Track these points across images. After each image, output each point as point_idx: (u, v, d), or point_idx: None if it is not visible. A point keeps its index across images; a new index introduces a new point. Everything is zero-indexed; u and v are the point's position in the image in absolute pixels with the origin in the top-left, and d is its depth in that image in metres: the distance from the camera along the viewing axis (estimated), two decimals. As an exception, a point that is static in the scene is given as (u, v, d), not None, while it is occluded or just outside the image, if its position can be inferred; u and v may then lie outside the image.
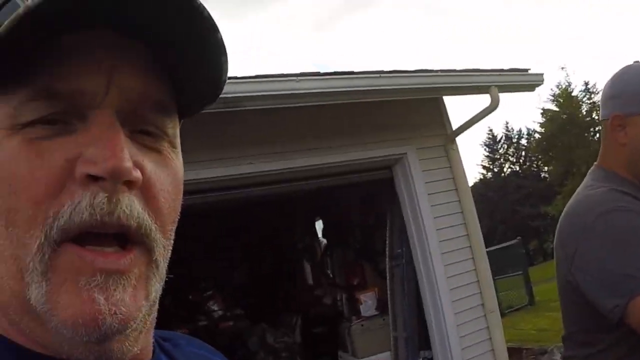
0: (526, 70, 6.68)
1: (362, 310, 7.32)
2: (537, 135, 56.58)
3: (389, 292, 6.98)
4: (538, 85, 6.65)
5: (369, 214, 7.93)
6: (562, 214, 1.71)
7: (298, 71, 5.46)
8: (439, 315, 6.13)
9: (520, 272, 14.04)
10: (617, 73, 1.68)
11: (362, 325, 7.19)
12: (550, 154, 38.83)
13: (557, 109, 36.50)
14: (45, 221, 0.57)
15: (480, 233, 6.71)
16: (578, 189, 1.74)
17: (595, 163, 1.78)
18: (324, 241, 9.91)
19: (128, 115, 0.61)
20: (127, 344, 0.61)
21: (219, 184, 5.31)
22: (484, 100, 6.22)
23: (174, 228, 0.67)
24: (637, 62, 1.72)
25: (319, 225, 10.34)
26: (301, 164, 5.65)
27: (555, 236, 1.71)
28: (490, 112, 6.23)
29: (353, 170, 6.16)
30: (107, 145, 0.57)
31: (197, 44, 0.61)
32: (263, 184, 5.75)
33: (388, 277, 7.01)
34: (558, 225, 1.70)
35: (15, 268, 0.58)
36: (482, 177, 66.46)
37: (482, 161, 67.35)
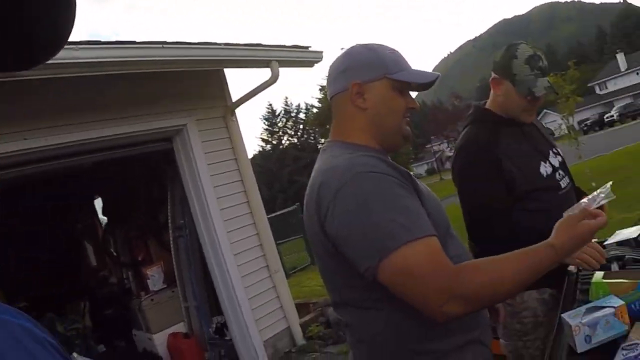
0: (307, 47, 6.92)
1: (150, 285, 7.25)
2: (314, 110, 58.71)
3: (175, 263, 7.02)
4: (317, 62, 6.94)
5: (150, 188, 7.85)
6: (313, 180, 1.73)
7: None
8: (226, 280, 6.27)
9: (300, 236, 14.57)
10: (342, 53, 1.85)
11: (152, 300, 7.13)
12: (327, 126, 40.34)
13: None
14: None
15: (261, 200, 6.95)
16: (321, 163, 1.77)
17: (328, 140, 1.88)
18: (105, 219, 9.64)
19: None
20: None
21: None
22: (264, 74, 6.38)
23: None
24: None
25: (98, 203, 10.04)
26: (78, 138, 5.40)
27: (307, 201, 1.72)
28: (269, 86, 6.42)
29: (132, 143, 6.06)
30: None
31: None
32: (37, 161, 5.41)
33: (173, 249, 7.04)
34: (310, 192, 1.72)
35: None
36: (261, 149, 67.79)
37: (262, 134, 68.75)
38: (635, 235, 2.70)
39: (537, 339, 2.63)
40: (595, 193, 1.85)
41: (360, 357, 1.79)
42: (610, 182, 1.88)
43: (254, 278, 6.59)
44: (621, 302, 1.74)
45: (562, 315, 1.82)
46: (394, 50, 1.81)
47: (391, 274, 1.50)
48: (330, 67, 1.86)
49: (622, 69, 72.95)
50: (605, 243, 2.83)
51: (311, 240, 1.76)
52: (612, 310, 1.71)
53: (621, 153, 22.10)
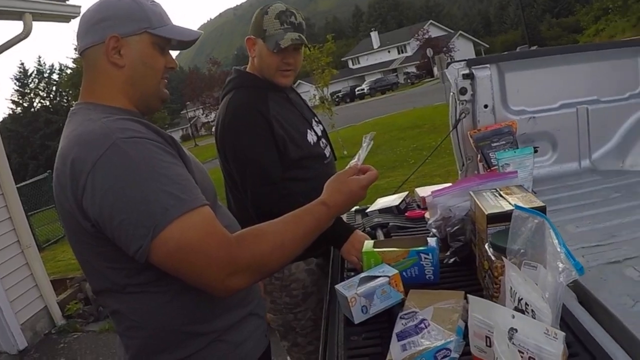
0: (64, 0, 6.62)
1: None
2: (69, 71, 56.25)
3: None
4: (74, 17, 6.63)
5: None
6: (64, 149, 1.47)
7: None
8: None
9: (53, 206, 13.86)
10: (98, 1, 1.60)
11: None
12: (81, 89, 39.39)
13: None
14: None
15: (9, 169, 6.58)
16: (72, 129, 1.52)
17: (79, 101, 1.63)
18: None
19: None
20: None
21: None
22: (17, 27, 6.04)
23: None
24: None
25: None
26: None
27: (59, 174, 1.47)
28: (21, 40, 6.07)
29: None
30: None
31: None
32: None
33: None
34: (61, 162, 1.45)
35: None
36: (11, 112, 63.85)
37: (12, 96, 64.57)
38: (397, 203, 2.81)
39: (307, 309, 2.65)
40: (359, 152, 1.88)
41: (132, 346, 1.61)
42: (372, 133, 1.95)
43: (5, 255, 6.20)
44: (395, 271, 1.75)
45: (336, 286, 1.77)
46: (155, 2, 1.64)
47: (167, 252, 1.35)
48: (83, 17, 1.62)
49: (375, 47, 78.17)
50: (367, 211, 2.94)
51: (64, 218, 1.51)
52: (387, 279, 1.70)
53: (371, 124, 23.75)
